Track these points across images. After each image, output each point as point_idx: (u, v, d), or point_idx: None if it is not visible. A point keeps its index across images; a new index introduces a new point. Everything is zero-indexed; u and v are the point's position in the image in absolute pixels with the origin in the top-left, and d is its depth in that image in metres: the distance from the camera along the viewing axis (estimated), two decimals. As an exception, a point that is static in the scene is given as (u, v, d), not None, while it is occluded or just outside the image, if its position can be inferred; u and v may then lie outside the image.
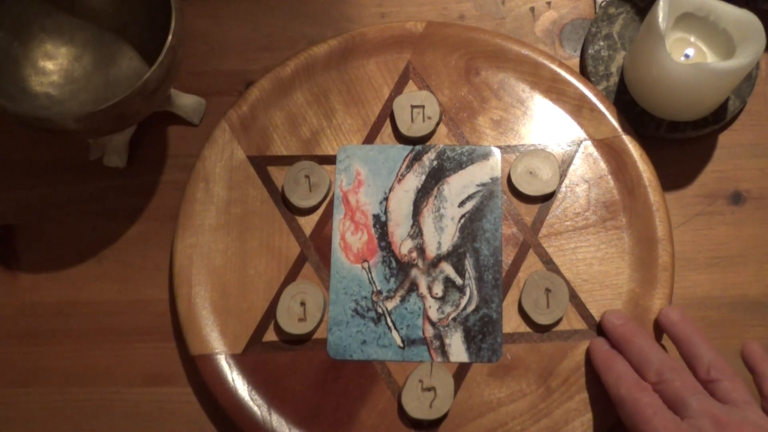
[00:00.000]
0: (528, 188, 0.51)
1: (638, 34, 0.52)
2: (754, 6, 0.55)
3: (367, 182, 0.52)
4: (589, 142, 0.53)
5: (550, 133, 0.53)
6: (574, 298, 0.49)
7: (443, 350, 0.48)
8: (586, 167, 0.52)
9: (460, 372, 0.48)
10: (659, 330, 0.48)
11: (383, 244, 0.51)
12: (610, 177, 0.52)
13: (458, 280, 0.50)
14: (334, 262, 0.51)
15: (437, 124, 0.53)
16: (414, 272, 0.50)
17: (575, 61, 0.57)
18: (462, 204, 0.52)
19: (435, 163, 0.53)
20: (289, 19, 0.60)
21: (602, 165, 0.52)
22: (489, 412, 0.47)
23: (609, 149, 0.52)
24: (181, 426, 0.49)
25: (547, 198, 0.52)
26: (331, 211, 0.52)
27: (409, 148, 0.53)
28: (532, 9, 0.59)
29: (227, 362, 0.48)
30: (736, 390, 0.42)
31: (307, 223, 0.52)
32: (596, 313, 0.49)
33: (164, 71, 0.47)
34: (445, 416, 0.47)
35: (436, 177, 0.52)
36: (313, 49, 0.55)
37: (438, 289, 0.50)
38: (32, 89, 0.52)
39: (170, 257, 0.52)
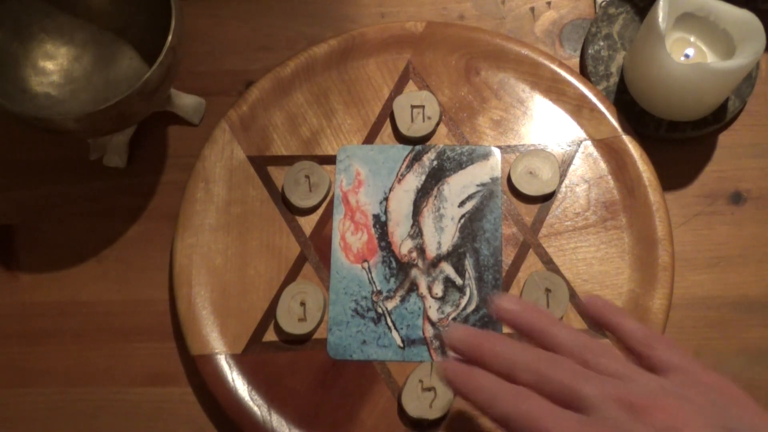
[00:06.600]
0: (528, 188, 0.51)
1: (638, 34, 0.52)
2: (754, 6, 0.55)
3: (367, 182, 0.52)
4: (589, 142, 0.53)
5: (550, 133, 0.53)
6: (574, 298, 0.49)
7: (443, 350, 0.48)
8: (586, 167, 0.52)
9: (460, 372, 0.48)
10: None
11: (383, 244, 0.51)
12: (610, 177, 0.52)
13: (458, 280, 0.50)
14: (334, 262, 0.51)
15: (437, 124, 0.53)
16: (414, 272, 0.50)
17: (575, 61, 0.57)
18: (462, 204, 0.52)
19: (435, 163, 0.53)
20: (289, 19, 0.60)
21: (602, 165, 0.52)
22: (489, 412, 0.47)
23: (609, 149, 0.52)
24: (181, 426, 0.49)
25: (547, 198, 0.52)
26: (331, 211, 0.52)
27: (409, 148, 0.53)
28: (532, 9, 0.59)
29: (227, 362, 0.48)
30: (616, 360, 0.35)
31: (307, 223, 0.52)
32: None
33: (164, 71, 0.47)
34: (445, 416, 0.47)
35: (436, 177, 0.52)
36: (313, 49, 0.55)
37: (438, 289, 0.50)
38: (32, 89, 0.52)
39: (170, 257, 0.52)
